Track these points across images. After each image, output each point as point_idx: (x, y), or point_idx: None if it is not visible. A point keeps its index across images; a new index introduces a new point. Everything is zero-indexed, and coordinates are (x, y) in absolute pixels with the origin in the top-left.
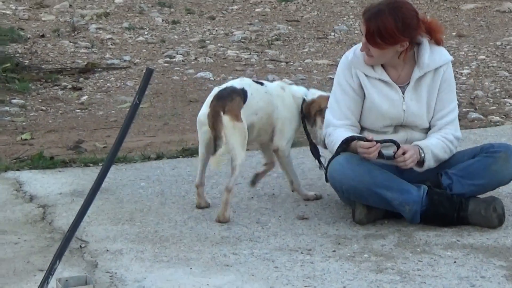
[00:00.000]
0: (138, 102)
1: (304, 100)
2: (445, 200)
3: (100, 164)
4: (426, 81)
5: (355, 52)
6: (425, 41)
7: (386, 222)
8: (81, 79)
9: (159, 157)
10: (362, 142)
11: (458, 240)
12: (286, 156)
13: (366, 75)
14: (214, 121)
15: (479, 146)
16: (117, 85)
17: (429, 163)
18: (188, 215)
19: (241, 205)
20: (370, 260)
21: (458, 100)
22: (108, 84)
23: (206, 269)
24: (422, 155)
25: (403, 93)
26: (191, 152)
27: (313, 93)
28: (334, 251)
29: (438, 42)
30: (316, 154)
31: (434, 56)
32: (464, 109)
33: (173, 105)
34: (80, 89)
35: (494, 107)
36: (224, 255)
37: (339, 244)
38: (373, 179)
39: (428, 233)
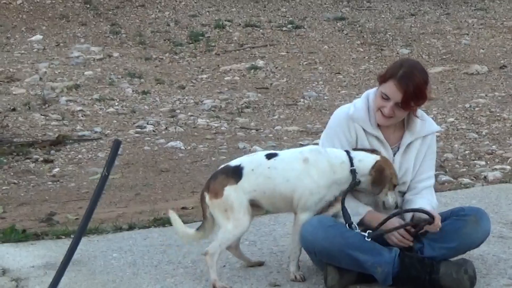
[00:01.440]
0: (107, 173)
1: (351, 164)
2: (416, 262)
3: (72, 236)
4: (415, 146)
5: (355, 107)
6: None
7: (358, 287)
8: (52, 152)
9: (131, 227)
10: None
11: None
12: (299, 225)
13: (364, 130)
14: (201, 202)
15: (449, 209)
16: (88, 156)
17: None
18: (160, 285)
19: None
20: None
21: None
22: (80, 156)
23: None
24: None
25: (394, 155)
26: (163, 222)
27: (364, 156)
28: None
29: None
30: (347, 218)
31: (425, 124)
32: (435, 172)
33: (144, 176)
34: (52, 161)
35: (464, 169)
36: None
37: None
38: (345, 241)
39: None
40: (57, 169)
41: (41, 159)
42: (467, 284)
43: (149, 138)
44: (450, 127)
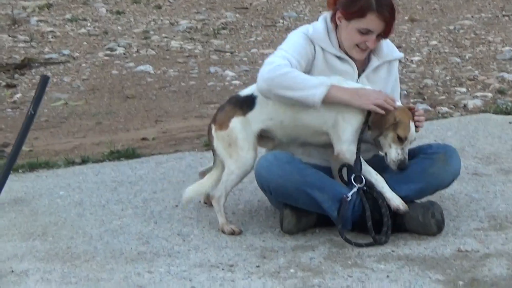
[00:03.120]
0: (33, 112)
1: None
2: (379, 205)
3: (20, 171)
4: (382, 72)
5: (314, 28)
6: None
7: (317, 231)
8: (16, 76)
9: (83, 161)
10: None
11: (393, 251)
12: (349, 159)
13: (324, 50)
14: (208, 134)
15: (416, 147)
16: (53, 81)
17: None
18: (105, 228)
19: (164, 215)
20: (296, 276)
21: (406, 90)
22: None
23: None
24: None
25: (358, 78)
26: (119, 155)
27: None
28: (258, 266)
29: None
30: (358, 169)
31: (390, 49)
32: (412, 100)
33: (109, 102)
34: (14, 86)
35: (443, 97)
36: (138, 274)
37: (264, 258)
38: (303, 178)
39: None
40: (19, 95)
41: (3, 83)
42: (434, 228)
43: (118, 62)
44: (433, 50)
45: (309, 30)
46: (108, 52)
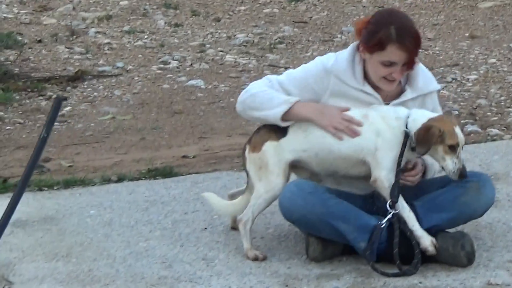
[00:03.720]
0: (46, 135)
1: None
2: (407, 238)
3: (55, 188)
4: (412, 105)
5: (337, 58)
6: (417, 61)
7: (344, 259)
8: (68, 88)
9: (120, 179)
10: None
11: (420, 282)
12: (386, 187)
13: (342, 82)
14: (242, 155)
15: None
16: (104, 94)
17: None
18: (130, 250)
19: (191, 238)
20: None
21: (458, 110)
22: (95, 94)
23: None
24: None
25: None
26: (156, 174)
27: (420, 115)
28: None
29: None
30: (395, 195)
31: (427, 80)
32: (463, 121)
33: (156, 117)
34: (65, 99)
35: (495, 118)
36: None
37: (286, 286)
38: (327, 209)
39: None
40: (68, 108)
41: (55, 96)
42: (464, 260)
43: (171, 75)
44: (490, 69)
45: (329, 61)
46: (162, 65)
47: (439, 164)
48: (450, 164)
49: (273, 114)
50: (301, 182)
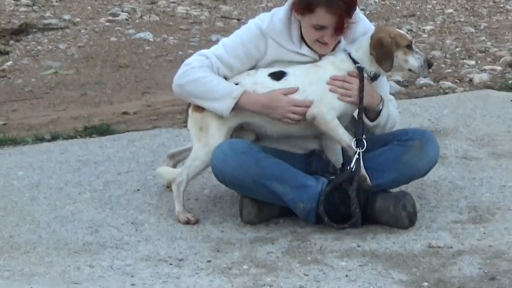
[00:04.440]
0: None
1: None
2: (347, 197)
3: None
4: None
5: (272, 19)
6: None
7: (281, 221)
8: (11, 42)
9: (53, 138)
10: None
11: (358, 246)
12: (329, 120)
13: (278, 43)
14: (186, 112)
15: (392, 132)
16: (48, 48)
17: (382, 119)
18: (55, 214)
19: (122, 200)
20: (247, 273)
21: None
22: (39, 48)
23: None
24: (380, 107)
25: None
26: (92, 132)
27: (357, 44)
28: (209, 261)
29: None
30: (359, 133)
31: (366, 29)
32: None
33: (100, 72)
34: (7, 53)
35: (449, 70)
36: (77, 268)
37: (218, 251)
38: (261, 170)
39: (327, 236)
40: (9, 63)
41: None
42: (405, 221)
43: (119, 28)
44: (447, 19)
45: (264, 22)
46: (110, 17)
47: (405, 69)
48: (415, 61)
49: (219, 108)
50: (234, 141)
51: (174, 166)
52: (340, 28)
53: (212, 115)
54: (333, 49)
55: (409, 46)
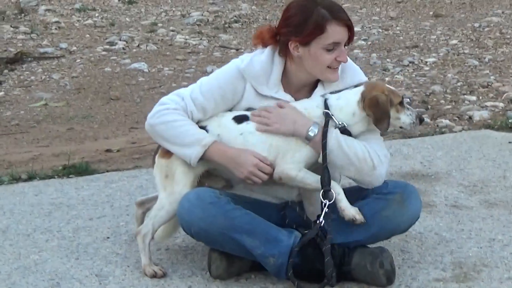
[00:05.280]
0: None
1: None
2: (323, 253)
3: None
4: None
5: (252, 60)
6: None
7: (253, 276)
8: (5, 71)
9: (30, 177)
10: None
11: None
12: (295, 175)
13: (257, 92)
14: (153, 158)
15: None
16: (41, 78)
17: (332, 143)
18: (18, 264)
19: (89, 249)
20: None
21: (410, 98)
22: (32, 78)
23: None
24: (310, 134)
25: None
26: (70, 171)
27: (343, 94)
28: None
29: None
30: (325, 183)
31: (347, 71)
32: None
33: (90, 104)
34: (0, 83)
35: (449, 106)
36: None
37: None
38: (230, 222)
39: None
40: (1, 93)
41: None
42: (382, 280)
43: (115, 57)
44: (451, 51)
45: (243, 62)
46: (107, 46)
47: (396, 126)
48: (407, 118)
49: (187, 154)
50: (201, 190)
51: (143, 214)
52: (351, 38)
53: (178, 161)
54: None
55: (401, 103)
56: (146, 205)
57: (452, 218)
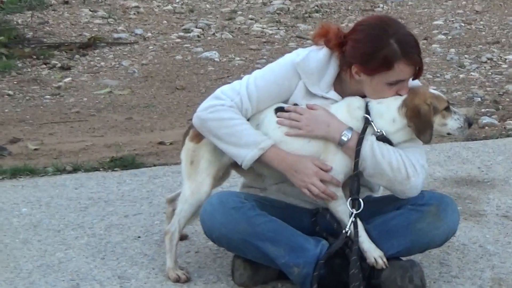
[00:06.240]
0: None
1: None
2: (350, 265)
3: (4, 177)
4: None
5: (309, 55)
6: None
7: (279, 285)
8: (76, 56)
9: (74, 169)
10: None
11: None
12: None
13: (307, 90)
14: (183, 140)
15: None
16: (111, 64)
17: (365, 158)
18: (41, 262)
19: (118, 248)
20: None
21: (482, 97)
22: (102, 64)
23: None
24: (344, 138)
25: None
26: (116, 164)
27: (385, 101)
28: None
29: None
30: (355, 191)
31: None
32: (484, 109)
33: (155, 93)
34: (69, 68)
35: None
36: None
37: None
38: (253, 228)
39: None
40: (68, 79)
41: (59, 64)
42: None
43: (188, 45)
44: None
45: (298, 57)
46: (182, 33)
47: (443, 133)
48: (454, 123)
49: (241, 155)
50: (225, 194)
51: (174, 211)
52: (419, 74)
53: (206, 148)
54: None
55: (447, 108)
56: (176, 201)
57: (501, 229)
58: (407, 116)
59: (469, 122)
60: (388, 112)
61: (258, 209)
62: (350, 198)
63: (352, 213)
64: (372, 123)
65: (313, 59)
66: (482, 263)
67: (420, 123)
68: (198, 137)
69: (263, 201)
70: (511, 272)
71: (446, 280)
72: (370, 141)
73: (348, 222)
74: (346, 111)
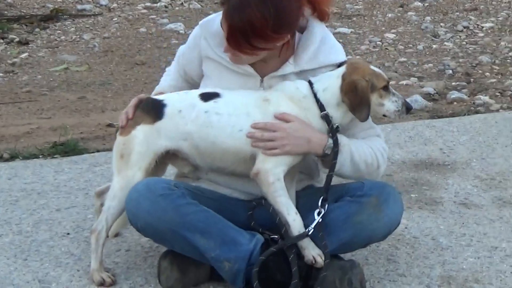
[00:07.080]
0: None
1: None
2: (286, 263)
3: None
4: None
5: (216, 18)
6: (311, 23)
7: (211, 287)
8: (37, 30)
9: (12, 157)
10: None
11: None
12: (270, 183)
13: (216, 55)
14: (115, 135)
15: (343, 185)
16: (71, 38)
17: (344, 161)
18: None
19: (43, 247)
20: None
21: (453, 69)
22: (62, 38)
23: None
24: (327, 151)
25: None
26: (57, 150)
27: (324, 79)
28: None
29: (321, 17)
30: (327, 189)
31: (322, 51)
32: (455, 82)
33: (113, 69)
34: (27, 43)
35: (493, 80)
36: None
37: None
38: (181, 218)
39: None
40: (24, 55)
41: (18, 39)
42: None
43: (153, 17)
44: (510, 17)
45: (207, 18)
46: (149, 4)
47: (379, 114)
48: (392, 105)
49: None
50: (153, 180)
51: (102, 205)
52: (229, 42)
53: (137, 140)
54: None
55: (385, 88)
56: (106, 195)
57: (457, 219)
58: (342, 90)
59: (407, 107)
60: (332, 97)
61: (189, 197)
62: (321, 198)
63: (319, 212)
64: (332, 118)
65: (218, 20)
66: (432, 258)
67: (356, 99)
68: (127, 130)
69: (196, 190)
70: (462, 269)
71: (392, 279)
72: (347, 146)
73: (314, 222)
74: (291, 104)
